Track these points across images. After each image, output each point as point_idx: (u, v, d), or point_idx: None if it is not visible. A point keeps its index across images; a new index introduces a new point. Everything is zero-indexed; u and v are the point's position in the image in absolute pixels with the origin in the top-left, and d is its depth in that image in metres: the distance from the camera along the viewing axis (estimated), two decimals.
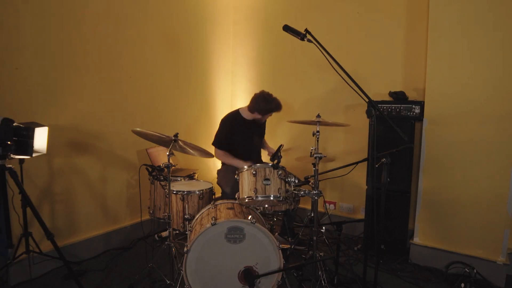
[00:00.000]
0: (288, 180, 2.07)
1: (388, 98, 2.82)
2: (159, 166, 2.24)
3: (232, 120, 2.84)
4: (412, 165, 2.67)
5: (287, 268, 2.01)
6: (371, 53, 3.13)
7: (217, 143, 2.81)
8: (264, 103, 2.72)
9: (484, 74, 2.33)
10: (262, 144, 3.15)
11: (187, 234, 2.08)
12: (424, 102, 2.56)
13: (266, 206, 2.32)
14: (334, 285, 2.22)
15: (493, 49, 2.29)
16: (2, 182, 1.87)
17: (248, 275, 1.84)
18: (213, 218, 1.86)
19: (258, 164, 2.12)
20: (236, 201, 2.19)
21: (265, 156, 3.16)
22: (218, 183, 2.82)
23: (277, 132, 3.73)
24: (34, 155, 1.93)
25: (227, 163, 2.80)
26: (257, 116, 2.81)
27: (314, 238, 2.03)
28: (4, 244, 1.98)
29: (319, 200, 2.02)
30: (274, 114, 2.88)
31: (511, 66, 2.25)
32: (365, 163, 2.26)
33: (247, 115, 2.87)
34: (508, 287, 2.31)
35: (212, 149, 2.68)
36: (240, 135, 2.82)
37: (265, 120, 3.05)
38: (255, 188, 2.05)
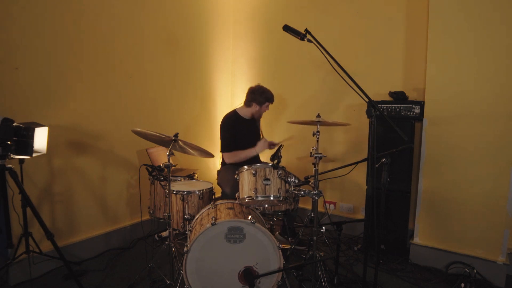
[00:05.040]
0: (288, 180, 2.07)
1: (388, 98, 2.82)
2: (159, 166, 2.24)
3: (232, 120, 2.85)
4: (412, 165, 2.67)
5: (287, 268, 2.01)
6: (371, 53, 3.13)
7: (224, 147, 2.80)
8: (261, 92, 2.81)
9: (484, 74, 2.33)
10: None
11: (187, 234, 2.08)
12: (424, 102, 2.56)
13: (266, 206, 2.32)
14: (334, 285, 2.22)
15: (494, 49, 2.29)
16: (2, 182, 1.87)
17: (248, 275, 1.84)
18: (213, 218, 1.86)
19: (258, 164, 2.12)
20: (236, 201, 2.19)
21: (266, 156, 3.16)
22: (218, 183, 2.82)
23: (277, 132, 3.73)
24: (34, 155, 1.93)
25: (240, 159, 2.76)
26: (255, 108, 2.84)
27: (314, 238, 2.03)
28: (4, 244, 1.98)
29: (319, 200, 2.02)
30: (271, 112, 2.89)
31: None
32: (365, 163, 2.26)
33: (244, 113, 2.90)
34: (508, 287, 2.31)
35: (215, 153, 2.66)
36: (242, 134, 2.83)
37: (260, 121, 3.07)
38: (255, 188, 2.05)
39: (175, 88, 3.40)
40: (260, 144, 2.75)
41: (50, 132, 2.10)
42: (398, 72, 2.99)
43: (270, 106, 2.93)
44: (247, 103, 2.87)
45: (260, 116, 2.98)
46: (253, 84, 2.92)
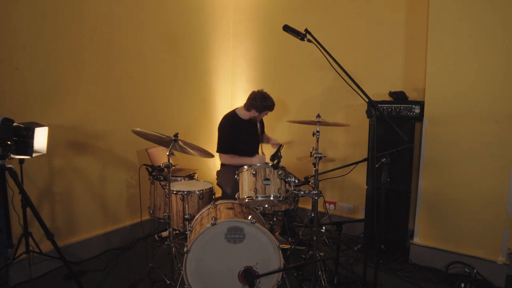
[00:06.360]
0: (288, 180, 2.07)
1: (388, 98, 2.82)
2: (159, 166, 2.24)
3: (231, 121, 2.84)
4: (412, 165, 2.67)
5: (287, 268, 2.02)
6: (371, 53, 3.13)
7: (221, 148, 2.80)
8: (262, 100, 2.77)
9: (485, 74, 2.33)
10: (263, 139, 3.16)
11: (187, 234, 2.08)
12: (424, 102, 2.56)
13: (266, 206, 2.32)
14: (334, 285, 2.22)
15: (494, 49, 2.29)
16: (2, 182, 1.87)
17: (248, 275, 1.84)
18: (213, 218, 1.86)
19: (258, 164, 2.12)
20: (236, 201, 2.19)
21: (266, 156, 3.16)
22: (218, 183, 2.82)
23: (276, 132, 3.73)
24: (34, 155, 1.93)
25: (235, 163, 2.76)
26: (253, 114, 2.83)
27: (314, 238, 2.03)
28: (4, 244, 1.98)
29: (319, 200, 2.02)
30: (271, 112, 2.90)
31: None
32: (365, 163, 2.26)
33: (244, 115, 2.89)
34: (508, 287, 2.31)
35: (213, 152, 2.67)
36: (241, 135, 2.82)
37: (261, 119, 3.06)
38: (255, 188, 2.05)
39: (175, 88, 3.40)
40: (258, 157, 2.77)
41: (50, 132, 2.10)
42: (398, 72, 2.99)
43: None
44: (247, 107, 2.84)
45: (257, 120, 2.97)
46: (253, 86, 2.91)
